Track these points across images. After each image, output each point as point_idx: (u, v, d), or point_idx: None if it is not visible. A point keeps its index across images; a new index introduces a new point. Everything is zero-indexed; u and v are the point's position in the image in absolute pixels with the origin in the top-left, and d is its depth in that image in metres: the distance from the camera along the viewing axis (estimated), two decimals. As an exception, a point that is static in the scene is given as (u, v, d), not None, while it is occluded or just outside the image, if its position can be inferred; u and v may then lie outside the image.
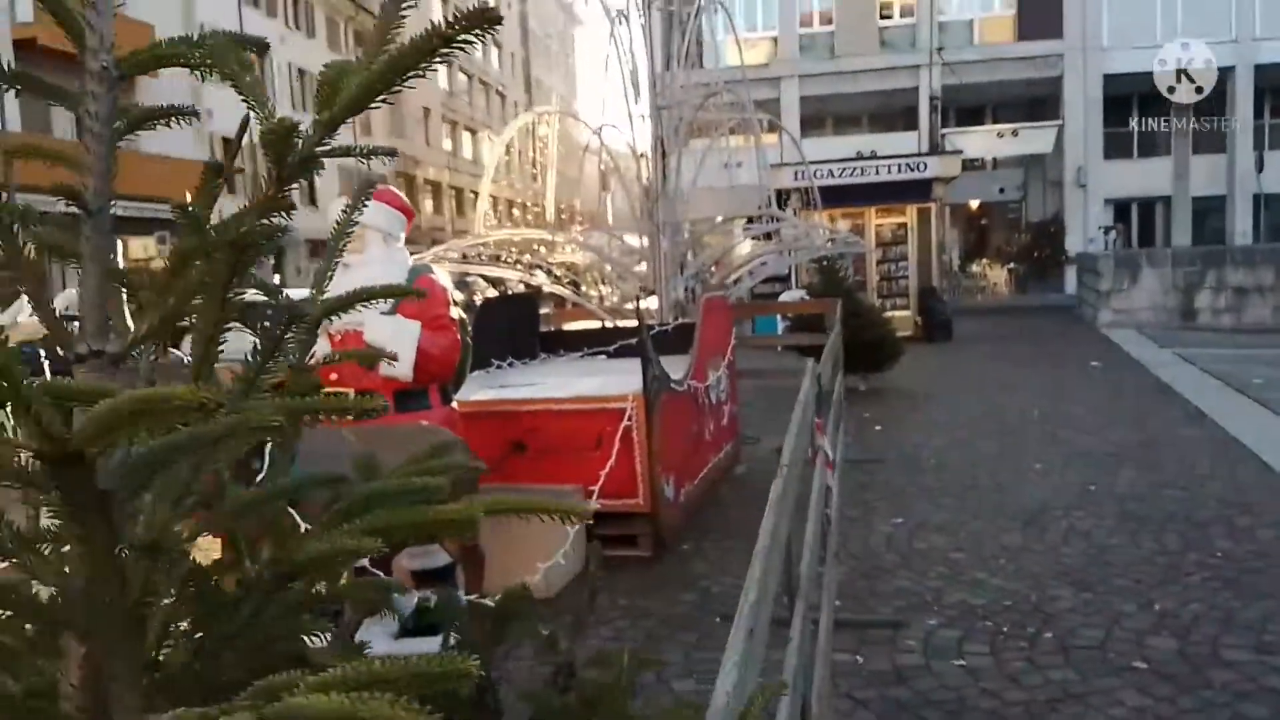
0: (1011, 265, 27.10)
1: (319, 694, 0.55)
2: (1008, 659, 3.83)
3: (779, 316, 12.79)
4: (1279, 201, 25.67)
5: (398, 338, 3.79)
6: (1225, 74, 24.13)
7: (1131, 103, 25.65)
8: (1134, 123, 25.34)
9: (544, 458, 4.81)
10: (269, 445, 3.18)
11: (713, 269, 9.97)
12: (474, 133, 51.98)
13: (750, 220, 11.01)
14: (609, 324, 8.28)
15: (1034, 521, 5.64)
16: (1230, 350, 13.14)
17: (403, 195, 4.49)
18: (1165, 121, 24.99)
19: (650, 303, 10.43)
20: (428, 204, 42.83)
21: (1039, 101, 26.55)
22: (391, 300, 3.81)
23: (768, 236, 11.04)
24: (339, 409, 0.89)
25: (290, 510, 3.24)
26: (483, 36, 0.84)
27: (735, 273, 9.79)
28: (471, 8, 0.82)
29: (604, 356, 7.08)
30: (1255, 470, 6.65)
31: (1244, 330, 15.55)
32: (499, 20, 0.78)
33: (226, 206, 0.95)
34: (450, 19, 0.77)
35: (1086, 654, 3.83)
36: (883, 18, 26.25)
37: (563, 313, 9.68)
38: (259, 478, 3.19)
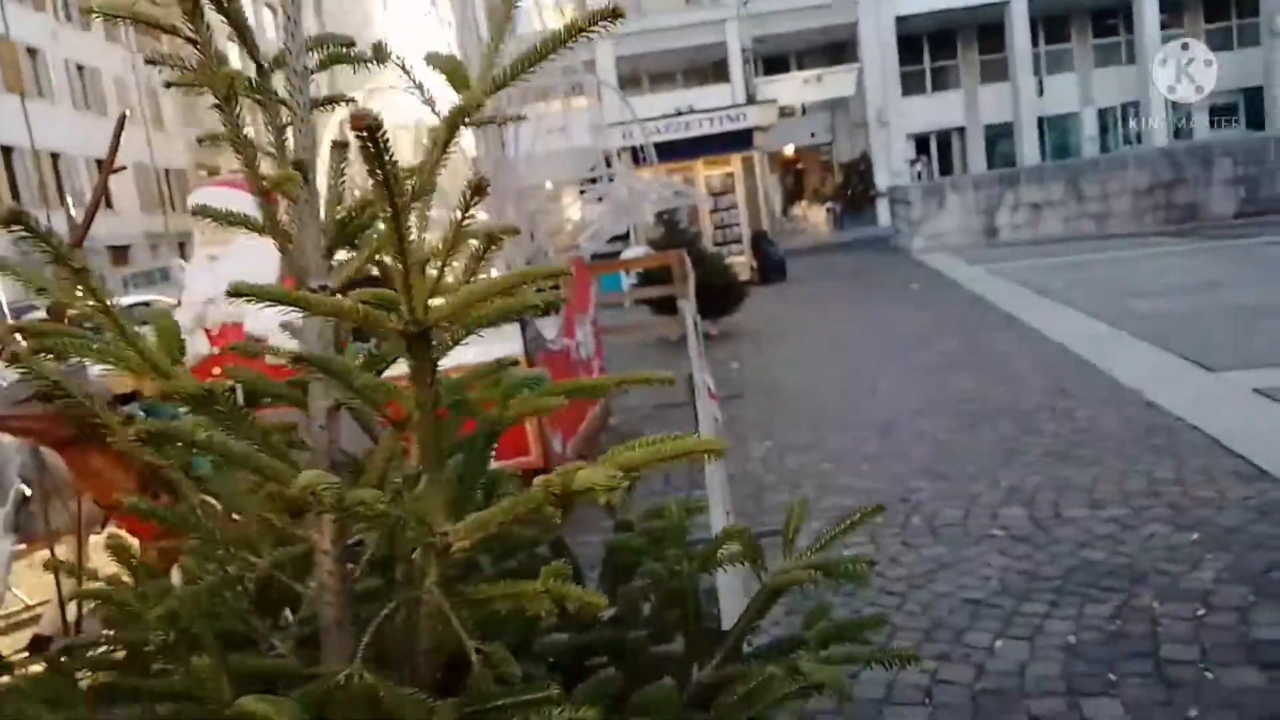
0: (829, 204, 28.53)
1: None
2: (886, 544, 4.22)
3: (623, 273, 13.05)
4: (1060, 123, 28.18)
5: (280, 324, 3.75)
6: (1002, 8, 26.08)
7: (922, 42, 27.40)
8: (926, 60, 27.10)
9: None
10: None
11: (555, 235, 10.05)
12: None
13: (592, 181, 11.14)
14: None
15: (886, 430, 6.13)
16: (1031, 261, 14.43)
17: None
18: (954, 57, 26.83)
19: (496, 269, 10.42)
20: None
21: (838, 46, 27.89)
22: None
23: (599, 198, 11.21)
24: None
25: (209, 499, 3.20)
26: (608, 28, 1.00)
27: (584, 235, 9.92)
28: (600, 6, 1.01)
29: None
30: (1068, 361, 7.44)
31: (1041, 241, 17.11)
32: (622, 15, 0.96)
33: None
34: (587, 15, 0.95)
35: (951, 530, 4.28)
36: (686, -27, 26.77)
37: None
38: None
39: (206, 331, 3.90)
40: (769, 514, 4.84)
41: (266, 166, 1.18)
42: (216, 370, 3.83)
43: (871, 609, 3.56)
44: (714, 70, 27.12)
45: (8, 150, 27.77)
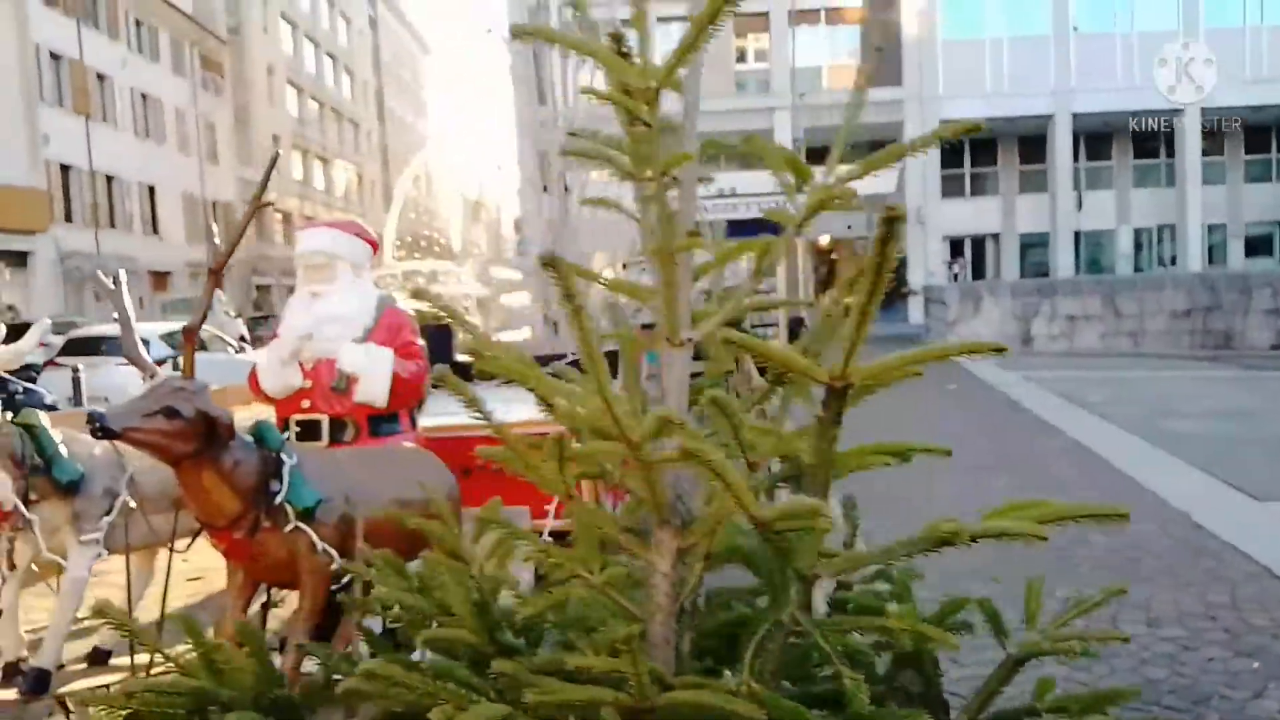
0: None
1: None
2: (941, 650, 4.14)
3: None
4: (1096, 238, 28.47)
5: (371, 365, 3.85)
6: (1046, 121, 26.59)
7: (965, 146, 27.90)
8: (967, 164, 27.56)
9: (491, 482, 4.82)
10: (288, 465, 3.15)
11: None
12: (325, 162, 50.58)
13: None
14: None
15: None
16: (1067, 372, 14.41)
17: (369, 229, 4.51)
18: (994, 164, 27.25)
19: (521, 334, 10.54)
20: (279, 234, 41.26)
21: (880, 145, 28.28)
22: (364, 329, 3.96)
23: (643, 270, 11.34)
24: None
25: (304, 527, 3.20)
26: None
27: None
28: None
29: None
30: (1110, 474, 7.37)
31: (1077, 354, 17.10)
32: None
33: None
34: None
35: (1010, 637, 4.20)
36: (738, 62, 27.50)
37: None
38: (278, 497, 3.15)
39: (301, 365, 3.92)
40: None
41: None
42: (306, 403, 3.91)
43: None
44: (758, 155, 27.62)
45: (66, 168, 28.48)
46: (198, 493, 3.00)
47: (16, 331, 4.39)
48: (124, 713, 1.28)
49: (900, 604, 1.57)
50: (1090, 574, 5.04)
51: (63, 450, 3.83)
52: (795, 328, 17.29)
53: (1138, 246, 28.75)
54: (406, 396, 3.98)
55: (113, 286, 3.68)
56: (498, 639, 1.34)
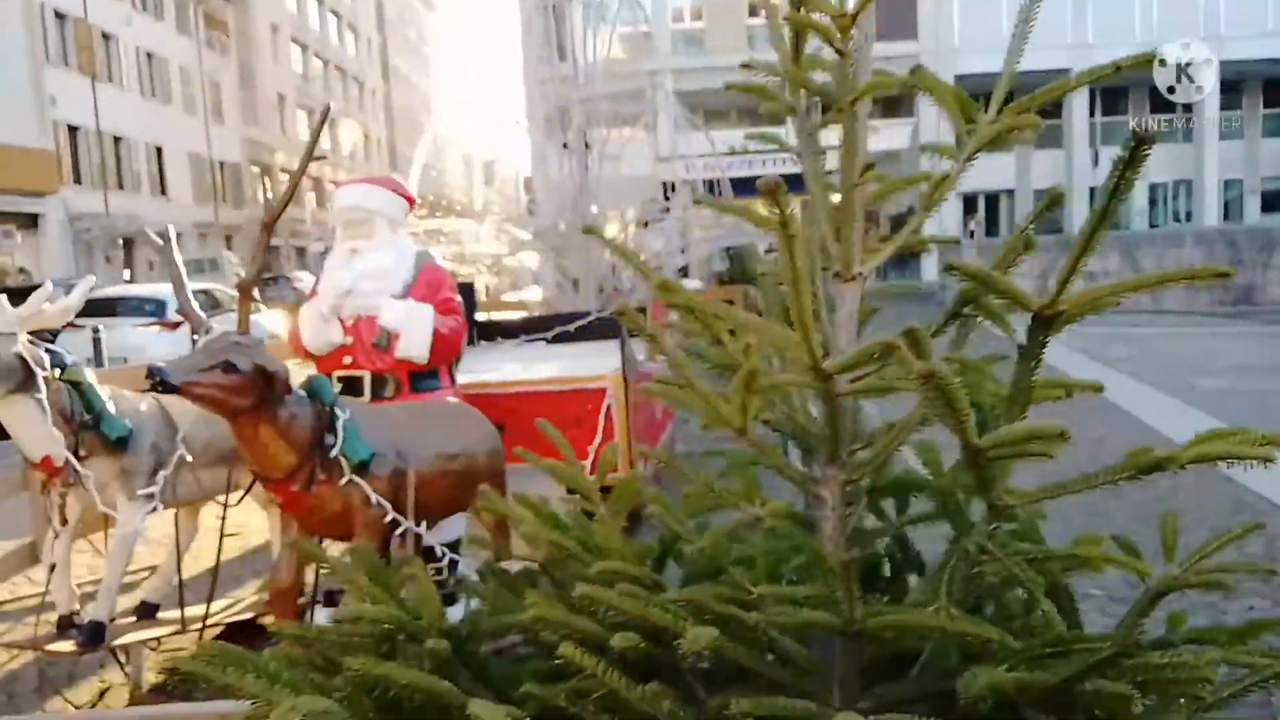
0: (874, 255, 28.66)
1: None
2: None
3: (679, 306, 13.07)
4: (1111, 194, 28.16)
5: (412, 321, 3.85)
6: (1061, 76, 26.14)
7: (980, 102, 27.50)
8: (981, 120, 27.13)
9: (523, 439, 4.82)
10: (342, 419, 3.14)
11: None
12: (332, 121, 50.20)
13: (666, 210, 11.24)
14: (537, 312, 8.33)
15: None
16: (1088, 329, 14.15)
17: (405, 182, 4.48)
18: (1009, 120, 26.84)
19: (530, 293, 10.52)
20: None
21: (894, 100, 28.05)
22: (403, 284, 3.95)
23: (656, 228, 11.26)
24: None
25: (358, 480, 3.19)
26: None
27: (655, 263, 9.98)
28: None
29: (543, 343, 7.09)
30: (1140, 431, 7.40)
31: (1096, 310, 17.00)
32: None
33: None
34: None
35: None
36: (750, 17, 27.08)
37: (485, 302, 9.70)
38: (333, 451, 3.14)
39: (341, 321, 3.92)
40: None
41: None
42: (347, 360, 3.90)
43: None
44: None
45: (74, 129, 28.29)
46: (254, 446, 3.01)
47: (25, 294, 4.39)
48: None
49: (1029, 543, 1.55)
50: (1126, 525, 5.04)
51: (110, 407, 3.84)
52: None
53: (1152, 202, 28.49)
54: (446, 352, 3.98)
55: (161, 244, 3.69)
56: (654, 578, 1.37)
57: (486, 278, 11.06)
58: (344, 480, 3.11)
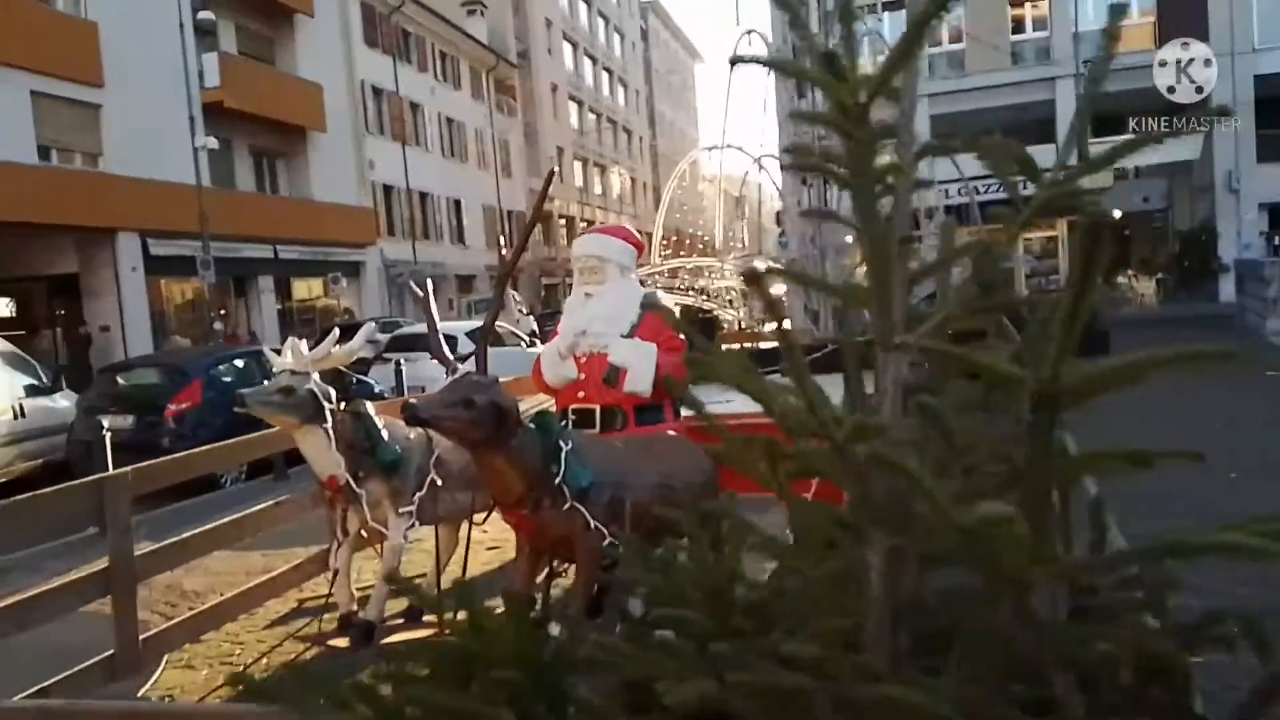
0: (1159, 275, 26.13)
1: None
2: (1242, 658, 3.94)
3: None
4: None
5: (637, 358, 4.16)
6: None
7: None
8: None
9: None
10: (565, 450, 3.55)
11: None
12: (603, 169, 53.65)
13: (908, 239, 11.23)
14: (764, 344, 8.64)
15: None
16: None
17: (635, 231, 4.97)
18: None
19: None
20: (563, 238, 44.35)
21: (1180, 106, 25.60)
22: (631, 324, 4.31)
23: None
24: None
25: (579, 506, 3.58)
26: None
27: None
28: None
29: (779, 375, 7.41)
30: None
31: None
32: None
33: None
34: None
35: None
36: (1014, 33, 25.92)
37: (726, 335, 10.12)
38: (557, 479, 3.54)
39: (576, 359, 4.32)
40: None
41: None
42: (581, 394, 4.28)
43: None
44: (1037, 129, 25.84)
45: (388, 188, 32.43)
46: (490, 473, 3.36)
47: (349, 331, 5.11)
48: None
49: (1151, 614, 1.35)
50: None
51: (384, 434, 4.40)
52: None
53: None
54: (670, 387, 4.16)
55: (421, 294, 4.24)
56: (729, 623, 1.34)
57: (733, 310, 11.52)
58: (566, 506, 3.37)
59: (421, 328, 16.95)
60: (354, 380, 11.26)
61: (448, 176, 36.39)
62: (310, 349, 4.66)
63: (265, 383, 4.74)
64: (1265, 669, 1.23)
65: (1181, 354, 1.13)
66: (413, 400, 3.36)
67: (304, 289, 29.04)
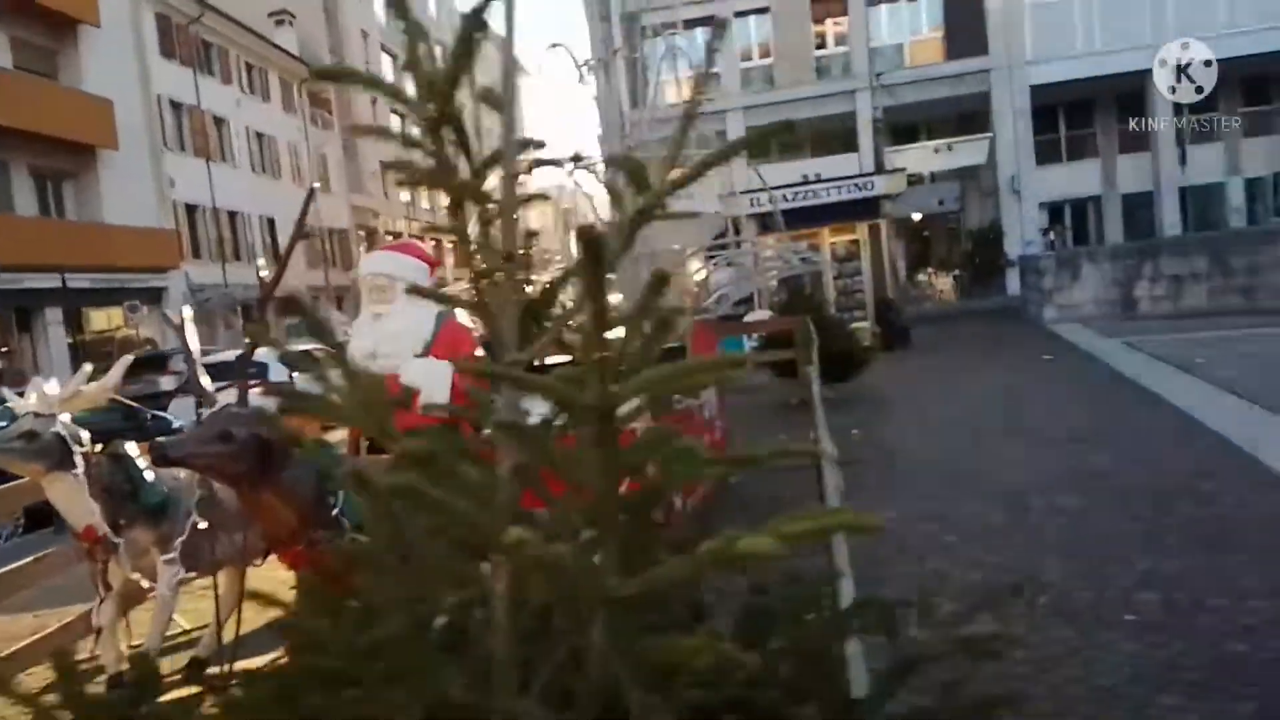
0: (956, 272, 28.09)
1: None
2: (1012, 624, 4.19)
3: (744, 337, 13.26)
4: (1204, 193, 27.06)
5: (431, 378, 3.99)
6: (1144, 76, 25.37)
7: (1058, 111, 26.95)
8: (1062, 129, 26.62)
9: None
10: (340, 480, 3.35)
11: (688, 296, 10.42)
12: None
13: (721, 248, 11.51)
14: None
15: (1015, 504, 6.06)
16: (1173, 335, 13.86)
17: (425, 247, 4.82)
18: (1091, 126, 26.24)
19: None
20: (386, 255, 43.16)
21: (968, 116, 27.66)
22: (424, 343, 4.15)
23: (728, 263, 11.56)
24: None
25: (361, 539, 3.43)
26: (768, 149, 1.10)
27: (711, 298, 10.23)
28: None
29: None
30: (1212, 442, 7.18)
31: (1183, 315, 16.40)
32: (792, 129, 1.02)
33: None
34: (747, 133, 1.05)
35: (1082, 614, 4.23)
36: (817, 48, 27.26)
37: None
38: (334, 510, 3.32)
39: None
40: (892, 585, 4.88)
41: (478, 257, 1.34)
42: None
43: (1000, 691, 3.58)
44: (842, 139, 27.31)
45: (192, 208, 30.43)
46: (258, 510, 3.17)
47: (153, 364, 4.72)
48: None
49: (812, 611, 1.40)
50: (1177, 546, 4.99)
51: (148, 476, 4.10)
52: (883, 309, 17.16)
53: (1251, 198, 27.16)
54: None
55: (177, 324, 3.93)
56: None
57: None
58: (346, 539, 3.18)
59: (226, 356, 15.96)
60: (148, 416, 10.40)
61: (259, 193, 34.55)
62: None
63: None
64: (895, 652, 1.29)
65: (703, 366, 1.16)
66: (161, 440, 3.14)
67: (103, 319, 26.84)
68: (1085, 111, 27.69)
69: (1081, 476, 6.58)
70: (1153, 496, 5.90)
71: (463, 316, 4.75)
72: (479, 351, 4.40)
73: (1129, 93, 26.33)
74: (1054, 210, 27.51)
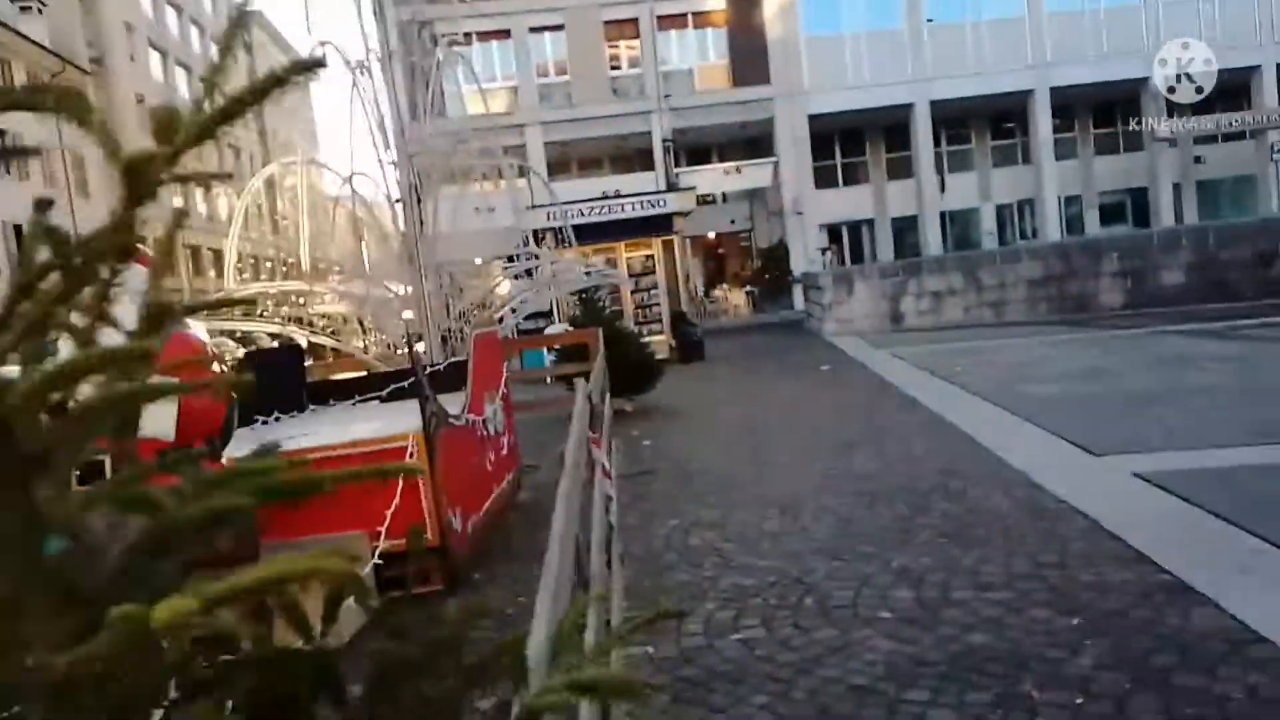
0: (748, 288, 29.33)
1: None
2: (777, 627, 4.28)
3: (545, 350, 13.17)
4: (962, 216, 29.81)
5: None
6: (907, 110, 27.61)
7: (834, 139, 28.82)
8: (838, 156, 28.48)
9: (327, 506, 4.78)
10: None
11: (477, 310, 10.19)
12: (206, 189, 48.82)
13: (511, 259, 11.34)
14: (380, 370, 8.25)
15: (789, 508, 6.26)
16: (933, 346, 15.03)
17: (145, 249, 4.35)
18: (863, 154, 28.23)
19: (421, 346, 10.47)
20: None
21: (755, 141, 29.04)
22: None
23: (528, 274, 11.44)
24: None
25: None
26: (307, 80, 0.91)
27: (500, 310, 10.04)
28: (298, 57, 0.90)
29: (377, 402, 7.05)
30: (962, 442, 7.74)
31: (942, 328, 17.87)
32: (323, 65, 0.81)
33: None
34: (284, 66, 0.81)
35: (842, 612, 4.37)
36: (612, 68, 27.71)
37: (331, 363, 9.50)
38: None
39: None
40: (669, 593, 4.89)
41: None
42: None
43: (759, 696, 3.61)
44: (640, 158, 27.89)
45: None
46: None
47: None
48: None
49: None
50: (929, 542, 5.29)
51: None
52: (678, 322, 17.61)
53: (1001, 223, 30.16)
54: (197, 429, 3.83)
55: None
56: None
57: (364, 337, 10.90)
58: None
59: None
60: None
61: (2, 197, 30.99)
62: None
63: None
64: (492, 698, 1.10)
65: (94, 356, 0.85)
66: None
67: None
68: (858, 140, 29.80)
69: (850, 479, 6.91)
70: (909, 496, 6.26)
71: (195, 329, 4.37)
72: (214, 367, 4.04)
73: (895, 124, 28.58)
74: (833, 231, 29.33)
